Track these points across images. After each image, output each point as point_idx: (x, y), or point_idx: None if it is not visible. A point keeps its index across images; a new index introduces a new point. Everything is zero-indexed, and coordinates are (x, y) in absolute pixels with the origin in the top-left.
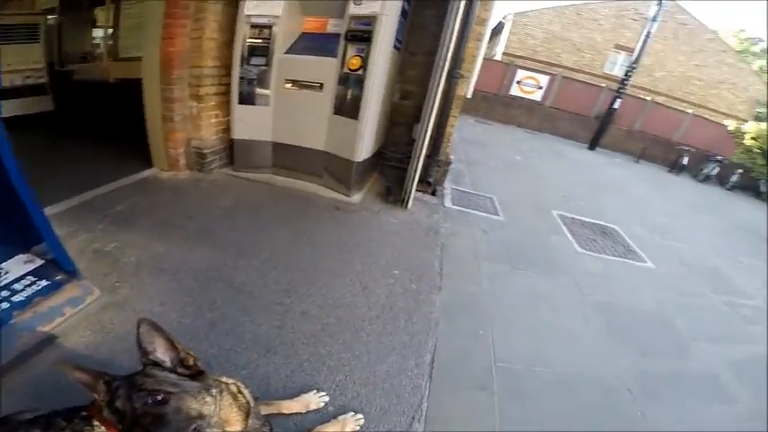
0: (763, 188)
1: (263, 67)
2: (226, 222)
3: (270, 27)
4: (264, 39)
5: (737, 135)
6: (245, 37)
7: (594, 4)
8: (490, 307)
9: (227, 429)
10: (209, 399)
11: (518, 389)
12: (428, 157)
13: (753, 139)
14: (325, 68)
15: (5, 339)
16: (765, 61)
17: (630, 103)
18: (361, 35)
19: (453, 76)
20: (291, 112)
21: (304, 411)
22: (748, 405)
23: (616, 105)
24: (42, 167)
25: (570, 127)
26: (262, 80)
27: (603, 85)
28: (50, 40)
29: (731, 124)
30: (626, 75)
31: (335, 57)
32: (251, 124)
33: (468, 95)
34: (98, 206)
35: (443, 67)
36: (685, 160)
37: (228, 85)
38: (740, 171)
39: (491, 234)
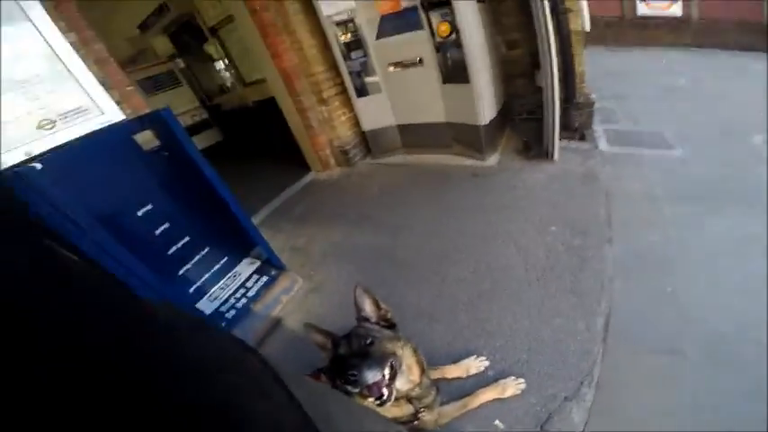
0: None
1: (363, 58)
2: (378, 206)
3: (352, 20)
4: (353, 32)
5: None
6: (336, 35)
7: None
8: (680, 258)
9: (410, 377)
10: (399, 344)
11: (722, 353)
12: (565, 101)
13: None
14: (416, 42)
15: (252, 324)
16: None
17: None
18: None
19: (559, 12)
20: (404, 92)
21: (464, 376)
22: None
23: None
24: (233, 189)
25: (742, 37)
26: (367, 69)
27: None
28: (189, 80)
29: None
30: None
31: (422, 29)
32: (373, 113)
33: (587, 28)
34: (283, 211)
35: (542, 6)
36: None
37: (343, 83)
38: None
39: (670, 173)
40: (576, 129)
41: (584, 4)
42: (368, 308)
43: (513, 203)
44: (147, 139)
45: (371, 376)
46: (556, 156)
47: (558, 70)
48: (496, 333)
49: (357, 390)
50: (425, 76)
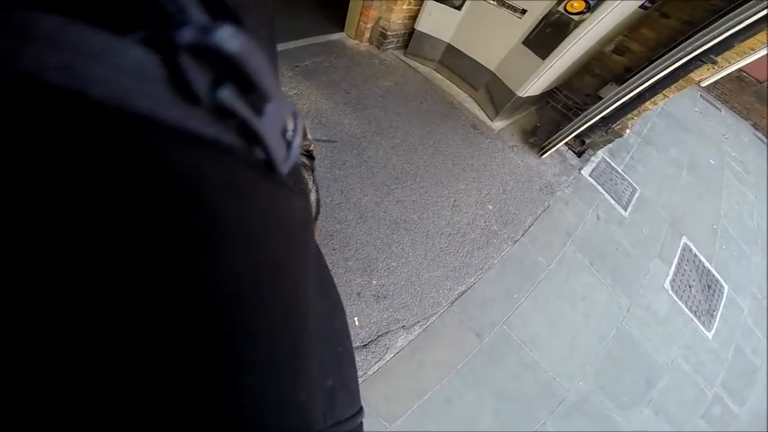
0: None
1: None
2: (379, 101)
3: None
4: None
5: None
6: None
7: None
8: (541, 282)
9: None
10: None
11: (498, 351)
12: (603, 119)
13: None
14: None
15: None
16: None
17: None
18: None
19: (701, 59)
20: (480, 25)
21: None
22: None
23: None
24: None
25: None
26: None
27: None
28: None
29: None
30: None
31: None
32: (436, 21)
33: (704, 84)
34: (292, 56)
35: (696, 46)
36: None
37: None
38: None
39: (602, 224)
40: (584, 143)
41: (735, 67)
42: None
43: (479, 169)
44: None
45: None
46: (545, 156)
47: (631, 97)
48: (397, 255)
49: None
50: (512, 27)
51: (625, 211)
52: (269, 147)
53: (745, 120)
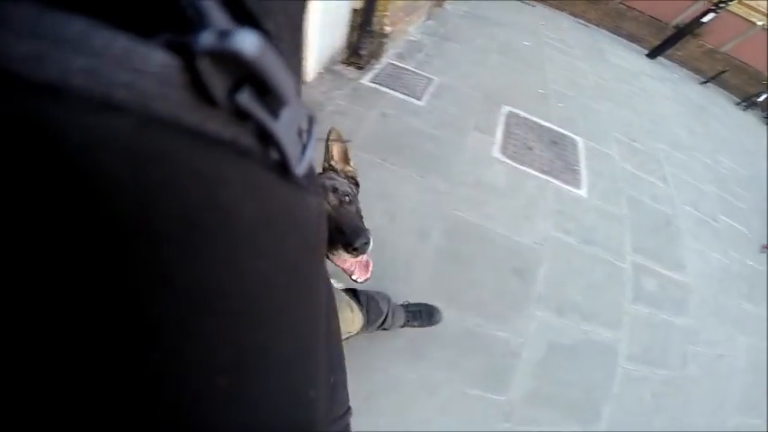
0: None
1: None
2: None
3: None
4: None
5: None
6: None
7: None
8: None
9: None
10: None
11: None
12: (360, 26)
13: None
14: None
15: None
16: None
17: (729, 21)
18: None
19: None
20: None
21: None
22: None
23: (705, 19)
24: None
25: (637, 29)
26: None
27: None
28: None
29: None
30: None
31: None
32: None
33: None
34: None
35: None
36: (763, 97)
37: None
38: None
39: (391, 119)
40: (362, 56)
41: None
42: (336, 157)
43: None
44: None
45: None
46: (308, 78)
47: None
48: None
49: (355, 257)
50: None
51: (419, 101)
52: (284, 148)
53: (562, 11)
